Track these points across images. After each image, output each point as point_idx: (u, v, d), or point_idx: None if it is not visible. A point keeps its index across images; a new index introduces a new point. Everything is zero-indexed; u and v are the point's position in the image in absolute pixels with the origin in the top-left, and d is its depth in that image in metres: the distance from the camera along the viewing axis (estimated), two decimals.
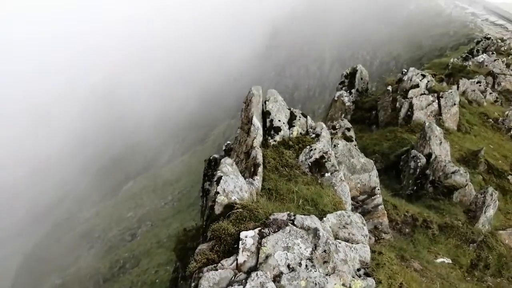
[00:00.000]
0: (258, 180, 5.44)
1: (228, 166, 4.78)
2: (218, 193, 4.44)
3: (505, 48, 22.44)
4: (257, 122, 6.19)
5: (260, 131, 6.20)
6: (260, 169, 5.62)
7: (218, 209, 4.37)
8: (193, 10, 79.78)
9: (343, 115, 11.58)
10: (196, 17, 77.79)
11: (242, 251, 3.91)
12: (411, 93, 10.57)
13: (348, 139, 7.93)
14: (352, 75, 11.89)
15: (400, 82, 11.20)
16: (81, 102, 73.38)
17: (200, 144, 54.10)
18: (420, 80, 10.77)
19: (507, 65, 18.28)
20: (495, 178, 9.21)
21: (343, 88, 11.86)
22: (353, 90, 11.64)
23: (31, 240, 47.00)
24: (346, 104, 11.52)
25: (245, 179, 5.59)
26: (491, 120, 11.29)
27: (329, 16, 58.96)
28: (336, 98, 11.70)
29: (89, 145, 64.69)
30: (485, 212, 7.01)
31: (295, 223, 4.24)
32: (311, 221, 4.33)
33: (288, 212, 4.37)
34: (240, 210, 4.28)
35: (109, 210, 45.80)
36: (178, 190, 41.79)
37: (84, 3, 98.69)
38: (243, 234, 3.98)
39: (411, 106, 10.35)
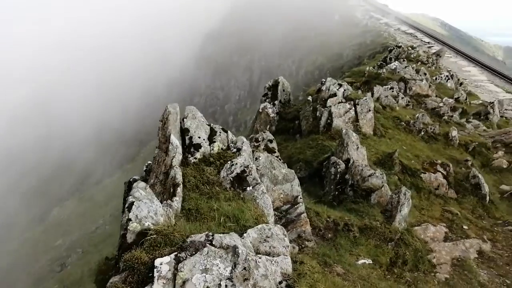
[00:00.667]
0: (177, 201, 5.31)
1: (141, 191, 4.61)
2: (130, 220, 4.25)
3: (415, 55, 24.42)
4: (175, 140, 6.07)
5: (179, 150, 6.08)
6: (179, 189, 5.50)
7: (130, 237, 4.17)
8: (124, 20, 77.15)
9: (268, 126, 11.79)
10: (127, 27, 75.40)
11: (158, 279, 3.76)
12: (329, 102, 11.05)
13: (270, 150, 8.07)
14: (274, 87, 12.18)
15: (320, 92, 11.68)
16: (9, 114, 67.24)
17: (131, 162, 52.18)
18: (337, 89, 11.30)
19: (417, 71, 19.87)
20: (409, 177, 9.88)
21: (267, 100, 12.10)
22: (276, 102, 11.91)
23: None
24: (271, 115, 11.75)
25: (164, 200, 5.44)
26: (403, 123, 12.13)
27: (258, 27, 60.32)
28: (260, 110, 11.89)
29: (17, 163, 59.43)
30: (400, 211, 7.46)
31: (213, 243, 4.17)
32: (230, 239, 4.30)
33: (206, 233, 4.29)
34: (154, 236, 4.12)
35: (36, 238, 42.31)
36: (109, 212, 39.76)
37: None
38: (157, 261, 3.83)
39: (330, 114, 10.81)
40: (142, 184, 4.77)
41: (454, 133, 12.02)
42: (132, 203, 4.38)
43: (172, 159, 5.95)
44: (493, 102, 18.78)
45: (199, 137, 6.33)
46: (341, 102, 11.24)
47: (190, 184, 5.73)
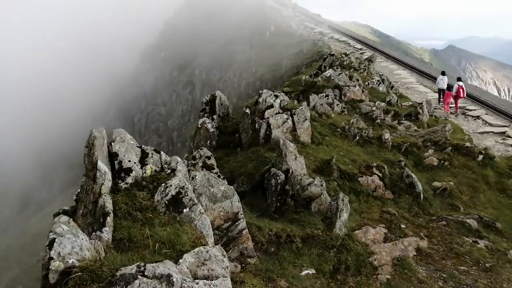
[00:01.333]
0: (107, 232, 5.01)
1: (63, 225, 4.29)
2: (52, 259, 3.92)
3: (347, 62, 25.52)
4: (103, 166, 5.75)
5: (108, 176, 5.77)
6: (110, 218, 5.20)
7: (53, 278, 3.85)
8: (60, 39, 73.15)
9: (208, 141, 11.65)
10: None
11: None
12: (267, 113, 11.14)
13: (209, 167, 7.94)
14: (212, 101, 12.09)
15: (257, 104, 11.76)
16: None
17: (73, 187, 49.46)
18: (274, 101, 11.44)
19: (350, 77, 20.74)
20: (348, 181, 10.16)
21: (205, 115, 11.98)
22: (215, 116, 11.83)
23: None
24: (210, 130, 11.63)
25: (94, 232, 5.11)
26: (339, 129, 12.52)
27: (196, 40, 60.16)
28: (199, 126, 11.74)
29: None
30: (340, 217, 7.61)
31: (146, 273, 3.96)
32: (164, 267, 4.10)
33: (137, 263, 4.07)
34: (80, 273, 3.83)
35: None
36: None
37: None
38: None
39: (268, 125, 10.89)
40: (64, 218, 4.44)
41: (387, 135, 12.60)
42: (53, 240, 4.05)
43: (101, 186, 5.64)
44: (422, 103, 20.02)
45: (130, 161, 6.06)
46: (278, 113, 11.38)
47: (121, 211, 5.45)
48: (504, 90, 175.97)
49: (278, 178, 8.45)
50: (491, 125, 24.05)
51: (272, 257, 6.50)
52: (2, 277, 36.63)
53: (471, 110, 26.37)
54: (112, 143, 6.15)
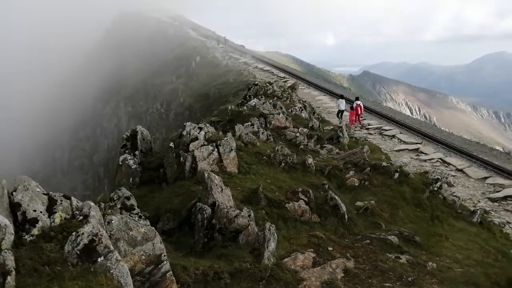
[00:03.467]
0: None
1: None
2: None
3: (271, 91, 26.35)
4: (3, 219, 5.18)
5: (10, 229, 5.20)
6: (10, 278, 4.65)
7: None
8: None
9: (131, 178, 11.14)
10: None
11: None
12: (192, 146, 10.98)
13: (129, 208, 7.53)
14: (133, 137, 11.67)
15: (181, 137, 11.56)
16: None
17: None
18: (198, 133, 11.34)
19: (274, 105, 21.39)
20: (276, 209, 10.22)
21: (126, 151, 11.49)
22: (137, 152, 11.39)
23: None
24: (132, 167, 11.16)
25: None
26: (265, 157, 12.68)
27: (120, 72, 58.60)
28: (120, 163, 11.21)
29: None
30: (267, 247, 7.57)
31: None
32: None
33: None
34: None
35: None
36: None
37: None
38: None
39: (194, 158, 10.72)
40: None
41: (310, 160, 13.01)
42: None
43: (1, 241, 5.06)
44: (341, 126, 21.13)
45: (35, 210, 5.54)
46: (204, 145, 11.27)
47: (25, 268, 4.91)
48: (415, 109, 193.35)
49: (204, 212, 8.26)
50: (405, 143, 26.06)
51: None
52: None
53: (387, 130, 28.41)
54: (14, 193, 5.60)
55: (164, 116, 48.04)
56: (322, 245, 9.45)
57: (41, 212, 5.63)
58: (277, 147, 13.59)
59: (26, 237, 5.36)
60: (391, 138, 26.55)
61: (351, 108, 27.81)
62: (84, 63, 65.18)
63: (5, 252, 4.92)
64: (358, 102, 27.90)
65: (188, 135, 11.53)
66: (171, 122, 47.21)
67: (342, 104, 28.11)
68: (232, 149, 11.63)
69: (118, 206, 7.42)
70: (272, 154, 12.94)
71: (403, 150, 24.43)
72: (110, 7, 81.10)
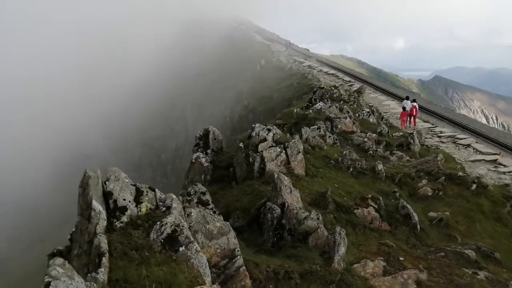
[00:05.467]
0: (103, 273, 4.89)
1: (58, 268, 4.18)
2: None
3: (337, 95, 25.98)
4: (98, 205, 5.68)
5: (103, 215, 5.69)
6: (105, 259, 5.09)
7: None
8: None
9: (203, 175, 11.61)
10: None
11: None
12: (260, 147, 11.19)
13: (204, 203, 7.86)
14: (205, 136, 12.15)
15: (250, 137, 11.83)
16: None
17: (62, 226, 48.38)
18: (267, 134, 11.53)
19: (341, 109, 21.07)
20: (344, 214, 10.09)
21: (199, 149, 11.99)
22: (208, 151, 11.85)
23: None
24: (204, 164, 11.62)
25: (89, 273, 4.99)
26: (332, 161, 12.57)
27: (189, 76, 61.01)
28: (193, 160, 11.73)
29: None
30: (337, 251, 7.52)
31: None
32: None
33: None
34: None
35: None
36: None
37: None
38: None
39: (262, 159, 10.91)
40: (59, 260, 4.34)
41: (380, 166, 12.67)
42: (48, 284, 3.94)
43: (96, 226, 5.55)
44: (412, 133, 20.28)
45: (124, 199, 6.00)
46: (272, 146, 11.44)
47: (117, 251, 5.34)
48: (492, 118, 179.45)
49: (274, 212, 8.39)
50: (482, 153, 24.36)
51: None
52: None
53: (461, 139, 26.76)
54: (107, 182, 6.11)
55: (228, 119, 49.24)
56: (393, 254, 9.16)
57: (129, 201, 6.08)
58: (345, 151, 13.40)
59: (116, 223, 5.82)
60: (465, 148, 24.94)
61: (403, 108, 27.04)
62: (154, 66, 68.76)
63: (100, 235, 5.39)
64: (415, 103, 27.21)
65: (257, 136, 11.76)
66: (235, 124, 48.27)
67: (407, 106, 27.29)
68: (299, 152, 11.68)
69: (195, 200, 7.78)
70: (340, 159, 12.79)
71: (479, 160, 22.84)
72: (180, 12, 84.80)
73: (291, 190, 8.89)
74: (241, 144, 11.96)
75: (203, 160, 11.92)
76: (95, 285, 4.53)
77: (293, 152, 11.34)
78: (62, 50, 73.96)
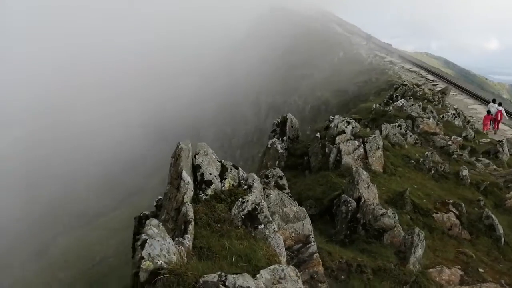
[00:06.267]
0: (189, 239, 5.22)
1: (153, 228, 4.54)
2: (143, 258, 4.16)
3: (421, 93, 24.66)
4: (187, 177, 6.05)
5: (191, 186, 6.05)
6: (191, 226, 5.41)
7: (143, 276, 4.07)
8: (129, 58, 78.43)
9: (277, 162, 11.76)
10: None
11: None
12: (338, 139, 11.06)
13: (281, 187, 8.00)
14: (282, 123, 12.26)
15: (328, 128, 11.72)
16: (13, 144, 67.21)
17: (134, 196, 51.92)
18: (346, 127, 11.35)
19: (424, 109, 20.00)
20: (421, 216, 9.68)
21: (275, 136, 12.15)
22: (285, 138, 11.96)
23: None
24: (279, 151, 11.76)
25: (175, 238, 5.34)
26: (413, 161, 12.05)
27: (264, 65, 61.58)
28: (269, 146, 11.91)
29: (20, 195, 58.86)
30: (414, 252, 7.27)
31: (226, 284, 4.06)
32: (243, 280, 4.18)
33: (219, 273, 4.18)
34: (167, 275, 4.02)
35: (31, 278, 41.38)
36: (114, 245, 39.20)
37: None
38: None
39: (339, 151, 10.78)
40: (154, 221, 4.70)
41: (465, 172, 11.90)
42: (145, 241, 4.30)
43: (184, 195, 5.92)
44: (502, 141, 18.69)
45: (210, 174, 6.31)
46: (350, 139, 11.24)
47: (201, 221, 5.65)
48: None
49: (349, 205, 8.29)
50: None
51: (342, 285, 6.33)
52: (66, 275, 38.95)
53: None
54: (196, 156, 6.45)
55: (300, 109, 48.96)
56: (472, 264, 8.63)
57: (215, 176, 6.38)
58: (427, 152, 12.76)
59: (202, 195, 6.15)
60: None
61: (488, 112, 25.16)
62: (230, 53, 70.23)
63: (187, 204, 5.74)
64: (500, 108, 25.29)
65: (335, 128, 11.62)
66: (306, 115, 47.90)
67: (493, 109, 25.55)
68: (378, 148, 11.35)
69: (272, 183, 7.95)
70: (421, 159, 12.21)
71: None
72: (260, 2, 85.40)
73: (368, 185, 8.71)
74: (318, 134, 11.90)
75: (279, 146, 12.06)
76: (183, 248, 4.85)
77: (372, 147, 11.05)
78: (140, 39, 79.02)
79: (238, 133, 57.28)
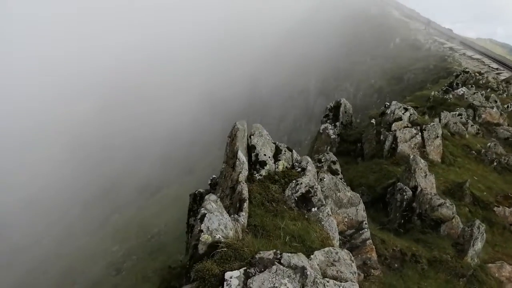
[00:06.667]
0: (243, 216, 5.32)
1: (212, 203, 4.67)
2: (202, 231, 4.31)
3: (483, 82, 23.15)
4: (242, 156, 6.14)
5: (246, 166, 6.13)
6: (246, 204, 5.51)
7: (202, 249, 4.22)
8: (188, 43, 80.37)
9: (328, 147, 11.62)
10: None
11: None
12: (394, 126, 10.70)
13: (334, 172, 7.91)
14: (336, 108, 12.04)
15: (384, 115, 11.36)
16: (74, 127, 71.75)
17: (187, 175, 53.57)
18: (403, 113, 10.94)
19: (486, 98, 18.79)
20: (481, 210, 9.22)
21: (328, 121, 11.97)
22: (337, 123, 11.75)
23: (13, 275, 44.94)
24: (331, 136, 11.58)
25: (230, 215, 5.47)
26: (474, 152, 11.44)
27: (315, 49, 60.52)
28: (321, 131, 11.77)
29: (82, 174, 63.12)
30: (473, 245, 6.96)
31: (282, 261, 4.12)
32: (298, 259, 4.21)
33: (274, 250, 4.24)
34: (225, 249, 4.14)
35: (95, 244, 44.41)
36: (164, 223, 40.91)
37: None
38: (228, 275, 3.83)
39: (395, 138, 10.45)
40: (213, 197, 4.84)
41: None
42: (204, 215, 4.44)
43: (239, 174, 6.01)
44: None
45: (265, 155, 6.36)
46: (407, 126, 10.84)
47: (255, 200, 5.74)
48: None
49: (404, 194, 8.05)
50: None
51: (396, 273, 6.21)
52: (122, 246, 41.28)
53: None
54: (251, 136, 6.52)
55: (352, 96, 47.72)
56: None
57: (269, 157, 6.42)
58: (489, 143, 12.03)
59: (256, 175, 6.22)
60: None
61: None
62: (283, 36, 69.52)
63: (242, 183, 5.84)
64: None
65: (391, 114, 11.23)
66: (357, 103, 46.60)
67: None
68: (437, 136, 10.86)
69: (325, 168, 7.88)
70: (482, 150, 11.54)
71: None
72: None
73: (426, 175, 8.39)
74: (372, 121, 11.58)
75: (331, 132, 11.89)
76: (238, 224, 4.96)
77: (430, 136, 10.60)
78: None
79: (286, 117, 57.06)
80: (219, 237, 4.30)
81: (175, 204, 43.76)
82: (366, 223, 6.60)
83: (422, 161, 8.58)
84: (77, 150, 65.92)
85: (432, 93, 19.07)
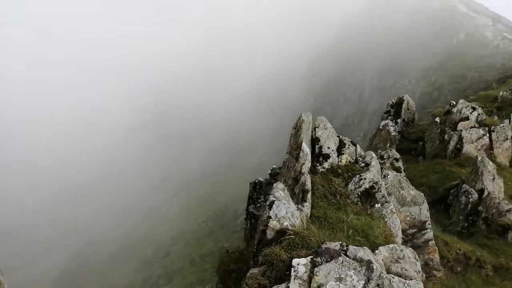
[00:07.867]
0: (307, 207, 5.41)
1: (280, 191, 4.80)
2: (270, 217, 4.45)
3: None
4: (306, 148, 6.20)
5: (309, 157, 6.20)
6: (309, 195, 5.59)
7: (270, 234, 4.37)
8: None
9: (388, 144, 11.37)
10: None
11: (294, 278, 3.87)
12: (460, 125, 10.26)
13: (396, 169, 7.76)
14: (398, 104, 11.73)
15: (449, 114, 10.92)
16: (125, 123, 75.49)
17: (234, 167, 54.53)
18: (470, 113, 10.46)
19: None
20: None
21: (389, 117, 11.70)
22: (399, 120, 11.45)
23: (66, 256, 48.25)
24: (392, 133, 11.32)
25: (294, 204, 5.58)
26: None
27: (372, 45, 58.76)
28: (381, 127, 11.54)
29: (131, 166, 66.37)
30: None
31: (347, 254, 4.16)
32: (364, 253, 4.24)
33: (340, 242, 4.30)
34: (293, 236, 4.26)
35: (145, 229, 46.55)
36: (212, 210, 42.05)
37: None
38: (295, 261, 3.95)
39: (460, 139, 10.03)
40: (281, 185, 4.97)
41: None
42: (272, 202, 4.58)
43: (302, 165, 6.09)
44: None
45: (329, 148, 6.38)
46: (474, 127, 10.35)
47: (318, 192, 5.80)
48: None
49: (470, 196, 7.74)
50: None
51: (458, 277, 6.04)
52: (171, 231, 42.93)
53: None
54: (316, 129, 6.57)
55: (410, 94, 45.83)
56: None
57: (332, 150, 6.44)
58: None
59: (319, 167, 6.27)
60: None
61: None
62: (334, 32, 68.10)
63: (306, 174, 5.91)
64: None
65: (458, 113, 10.77)
66: (415, 101, 44.87)
67: None
68: (507, 138, 10.28)
69: (387, 165, 7.75)
70: None
71: None
72: None
73: (494, 178, 8.01)
74: (436, 119, 11.16)
75: (392, 128, 11.61)
76: (303, 214, 5.06)
77: (499, 137, 10.06)
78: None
79: (339, 114, 56.15)
80: (287, 225, 4.42)
81: (222, 193, 44.89)
82: (429, 223, 6.45)
83: (491, 163, 8.19)
84: (133, 137, 69.05)
85: (500, 93, 17.96)
